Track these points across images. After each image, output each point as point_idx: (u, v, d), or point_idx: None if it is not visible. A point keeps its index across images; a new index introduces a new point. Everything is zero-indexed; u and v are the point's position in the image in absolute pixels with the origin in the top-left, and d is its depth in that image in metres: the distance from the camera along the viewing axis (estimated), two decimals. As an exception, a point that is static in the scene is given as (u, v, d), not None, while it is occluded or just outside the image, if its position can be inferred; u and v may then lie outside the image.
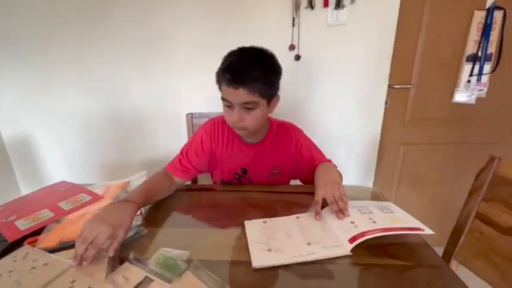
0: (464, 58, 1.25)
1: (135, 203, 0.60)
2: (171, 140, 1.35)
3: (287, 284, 0.46)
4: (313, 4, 1.09)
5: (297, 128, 0.90)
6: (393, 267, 0.49)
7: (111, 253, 0.49)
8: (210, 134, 0.85)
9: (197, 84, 1.25)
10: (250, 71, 0.68)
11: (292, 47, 1.16)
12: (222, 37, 1.16)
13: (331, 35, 1.15)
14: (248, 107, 0.70)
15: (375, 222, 0.56)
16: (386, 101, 1.30)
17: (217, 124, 0.86)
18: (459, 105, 1.31)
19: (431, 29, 1.22)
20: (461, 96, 1.30)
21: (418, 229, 0.53)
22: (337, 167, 0.82)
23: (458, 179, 1.41)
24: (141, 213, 0.66)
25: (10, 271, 0.47)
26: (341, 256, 0.50)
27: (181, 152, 0.86)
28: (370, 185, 1.44)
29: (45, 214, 0.68)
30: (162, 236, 0.60)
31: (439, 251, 0.66)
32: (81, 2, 1.14)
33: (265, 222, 0.61)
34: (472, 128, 1.37)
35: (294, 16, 1.11)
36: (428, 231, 0.52)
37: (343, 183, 0.72)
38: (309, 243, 0.53)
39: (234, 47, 1.01)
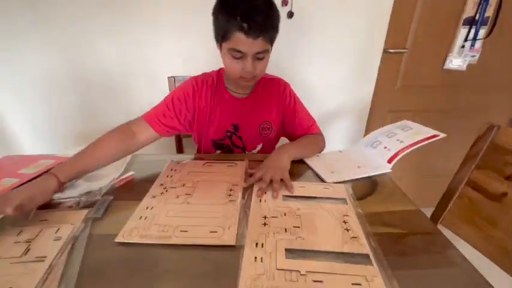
0: (461, 21, 1.21)
1: (55, 175, 0.54)
2: (149, 106, 1.25)
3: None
4: (310, -49, 0.96)
5: (284, 81, 0.86)
6: (389, 235, 0.49)
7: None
8: (194, 93, 0.77)
9: (175, 45, 1.14)
10: (267, 18, 0.62)
11: (285, 2, 1.04)
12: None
13: (328, -10, 1.04)
14: (260, 56, 0.66)
15: (402, 142, 0.71)
16: (379, 65, 1.26)
17: (203, 80, 0.79)
18: (449, 72, 1.30)
19: (432, -13, 1.14)
20: (453, 63, 1.28)
21: (435, 136, 0.67)
22: (318, 130, 0.85)
23: (445, 145, 1.45)
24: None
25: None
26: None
27: (165, 104, 0.76)
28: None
29: (8, 181, 0.64)
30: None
31: (430, 211, 0.69)
32: None
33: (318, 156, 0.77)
34: (462, 95, 1.38)
35: (289, -35, 0.98)
36: (442, 135, 0.67)
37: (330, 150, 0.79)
38: (359, 167, 0.69)
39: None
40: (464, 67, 1.27)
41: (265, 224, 0.48)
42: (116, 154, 0.65)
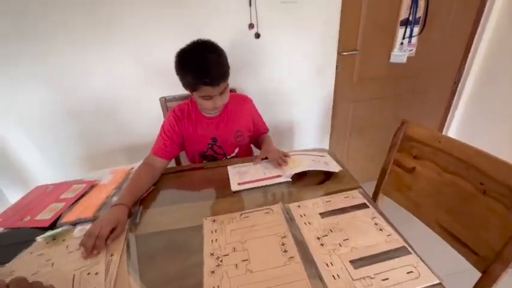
0: (399, 23, 1.45)
1: (126, 205, 0.73)
2: (145, 125, 1.42)
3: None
4: (266, -17, 1.15)
5: (246, 97, 1.11)
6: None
7: (109, 242, 0.64)
8: (179, 121, 0.99)
9: (155, 69, 1.30)
10: (220, 67, 0.83)
11: (251, 26, 1.24)
12: (180, 20, 1.19)
13: (285, 12, 1.25)
14: (223, 91, 0.88)
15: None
16: (337, 66, 1.49)
17: (180, 113, 1.00)
18: (394, 64, 1.56)
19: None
20: (395, 57, 1.54)
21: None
22: (268, 130, 1.18)
23: (393, 126, 1.74)
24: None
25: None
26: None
27: (162, 138, 0.98)
28: (327, 138, 1.72)
29: (57, 206, 0.81)
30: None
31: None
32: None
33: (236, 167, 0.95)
34: (405, 82, 1.65)
35: (250, -4, 1.17)
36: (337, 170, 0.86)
37: (304, 141, 1.06)
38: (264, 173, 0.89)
39: (195, 29, 1.07)
40: (404, 60, 1.54)
41: (322, 245, 0.60)
42: (149, 183, 0.87)
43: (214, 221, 0.70)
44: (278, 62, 1.38)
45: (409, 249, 0.58)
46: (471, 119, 1.72)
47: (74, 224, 0.73)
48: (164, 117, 1.27)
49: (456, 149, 0.70)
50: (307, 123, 1.61)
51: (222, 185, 0.85)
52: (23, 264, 0.60)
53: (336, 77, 1.52)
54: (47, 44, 1.16)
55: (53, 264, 0.59)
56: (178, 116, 1.00)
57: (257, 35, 1.26)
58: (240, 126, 1.05)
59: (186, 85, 0.88)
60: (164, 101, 1.26)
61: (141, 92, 1.34)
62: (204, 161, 1.09)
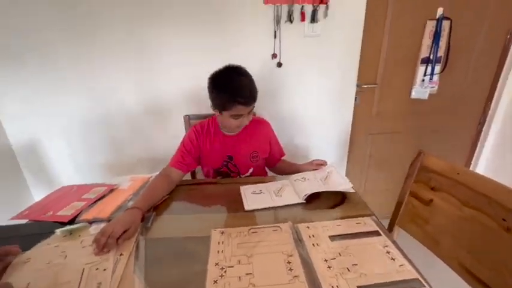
0: (419, 60, 1.49)
1: (140, 209, 0.76)
2: (169, 140, 1.49)
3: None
4: (291, 19, 1.26)
5: (265, 120, 1.16)
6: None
7: (120, 242, 0.65)
8: (198, 136, 1.06)
9: (186, 89, 1.41)
10: (252, 89, 0.92)
11: (274, 56, 1.33)
12: (212, 46, 1.31)
13: (308, 44, 1.33)
14: (250, 111, 0.96)
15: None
16: (356, 98, 1.53)
17: (200, 129, 1.07)
18: (415, 100, 1.56)
19: (392, 36, 1.43)
20: (417, 93, 1.55)
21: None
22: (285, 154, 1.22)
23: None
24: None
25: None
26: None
27: (180, 151, 1.05)
28: (344, 170, 1.70)
29: (78, 204, 0.86)
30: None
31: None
32: (82, 16, 1.23)
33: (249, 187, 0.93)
34: (426, 118, 1.64)
35: (276, 29, 1.27)
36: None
37: None
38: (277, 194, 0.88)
39: (223, 55, 1.18)
40: (426, 96, 1.54)
41: (329, 267, 0.58)
42: (164, 192, 0.91)
43: (222, 232, 0.71)
44: (298, 90, 1.44)
45: (423, 282, 0.54)
46: (498, 161, 1.63)
47: (91, 222, 0.76)
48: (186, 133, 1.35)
49: (476, 182, 0.68)
50: (323, 152, 1.61)
51: (233, 201, 0.86)
52: (39, 253, 0.63)
53: (354, 109, 1.55)
54: (92, 62, 1.32)
55: (66, 256, 0.62)
56: (199, 131, 1.06)
57: (279, 64, 1.35)
58: (256, 148, 1.09)
59: (217, 105, 0.94)
60: (188, 119, 1.34)
61: (168, 109, 1.44)
62: (218, 177, 1.12)
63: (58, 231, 0.70)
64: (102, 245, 0.63)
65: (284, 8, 1.25)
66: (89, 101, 1.40)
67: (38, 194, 1.55)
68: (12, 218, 0.81)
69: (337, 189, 0.85)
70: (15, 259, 0.61)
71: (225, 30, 1.29)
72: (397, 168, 1.74)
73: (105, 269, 0.58)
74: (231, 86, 0.89)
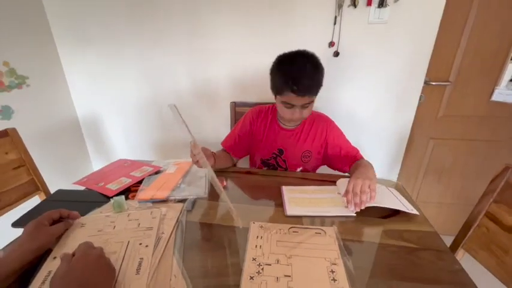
0: (509, 58, 1.24)
1: (214, 156, 0.89)
2: (215, 125, 1.52)
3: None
4: (356, 3, 1.13)
5: (328, 118, 1.03)
6: (405, 248, 0.62)
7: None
8: (254, 120, 1.02)
9: (238, 76, 1.39)
10: (313, 81, 0.82)
11: (332, 44, 1.23)
12: (265, 31, 1.26)
13: (371, 32, 1.19)
14: (306, 106, 0.86)
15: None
16: (421, 96, 1.34)
17: (259, 112, 1.03)
18: (495, 103, 1.32)
19: (476, 26, 1.21)
20: (500, 95, 1.30)
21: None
22: (361, 157, 0.96)
23: (484, 175, 1.45)
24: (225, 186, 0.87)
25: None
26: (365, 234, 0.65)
27: (233, 133, 1.03)
28: (396, 174, 1.53)
29: (125, 180, 0.91)
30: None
31: (451, 239, 0.79)
32: (146, 11, 1.30)
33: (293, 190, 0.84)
34: (503, 126, 1.37)
35: (336, 14, 1.16)
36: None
37: None
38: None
39: (276, 40, 1.12)
40: (511, 100, 1.28)
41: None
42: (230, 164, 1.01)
43: (261, 227, 0.68)
44: (355, 83, 1.32)
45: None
46: None
47: (149, 201, 0.79)
48: (232, 120, 1.34)
49: None
50: (375, 153, 1.47)
51: (275, 195, 0.82)
52: (92, 220, 0.68)
53: (417, 108, 1.37)
54: (150, 45, 1.39)
55: (114, 226, 0.65)
56: (255, 115, 1.03)
57: (336, 53, 1.24)
58: (310, 147, 1.01)
59: (273, 86, 0.89)
60: (234, 105, 1.33)
61: (216, 94, 1.45)
62: (265, 168, 1.08)
63: (110, 204, 0.74)
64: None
65: (349, -10, 1.13)
66: (145, 84, 1.49)
67: (96, 164, 1.72)
68: (74, 183, 0.90)
69: (398, 208, 0.72)
70: (74, 222, 0.66)
71: (280, 12, 1.22)
72: (459, 181, 1.53)
73: (147, 246, 0.59)
74: (289, 70, 0.82)
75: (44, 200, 0.91)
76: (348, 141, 1.00)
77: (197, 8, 1.27)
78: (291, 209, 0.74)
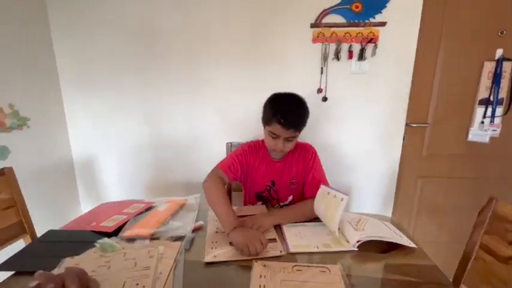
0: (477, 102, 1.39)
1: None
2: (209, 166, 1.54)
3: None
4: (339, 56, 1.29)
5: (311, 147, 1.08)
6: (407, 283, 0.62)
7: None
8: (251, 151, 1.07)
9: (234, 121, 1.48)
10: (298, 117, 0.93)
11: (320, 90, 1.35)
12: (260, 78, 1.39)
13: (354, 80, 1.34)
14: (290, 139, 0.95)
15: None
16: (404, 137, 1.44)
17: (254, 146, 1.09)
18: (474, 143, 1.43)
19: (444, 75, 1.38)
20: (475, 136, 1.42)
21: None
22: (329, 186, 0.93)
23: (474, 211, 1.48)
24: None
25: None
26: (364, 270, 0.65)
27: (231, 157, 1.05)
28: (389, 214, 1.55)
29: (119, 217, 0.89)
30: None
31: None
32: (145, 53, 1.43)
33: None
34: (487, 164, 1.46)
35: (323, 66, 1.31)
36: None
37: (362, 210, 0.89)
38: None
39: (272, 89, 1.22)
40: (486, 140, 1.40)
41: None
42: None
43: (264, 265, 0.66)
44: (343, 125, 1.42)
45: None
46: None
47: (133, 239, 0.77)
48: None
49: None
50: (367, 192, 1.50)
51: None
52: (86, 260, 0.65)
53: (403, 149, 1.46)
54: (152, 91, 1.48)
55: (109, 267, 0.63)
56: (251, 147, 1.08)
57: (324, 99, 1.36)
58: (295, 174, 1.05)
59: (263, 117, 0.98)
60: (230, 146, 1.38)
61: (212, 136, 1.51)
62: (259, 202, 1.09)
63: (97, 242, 0.71)
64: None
65: (332, 47, 1.30)
66: (144, 126, 1.54)
67: (86, 208, 1.66)
68: (62, 228, 0.86)
69: (397, 241, 0.74)
70: (67, 261, 0.63)
71: (273, 64, 1.37)
72: (451, 217, 1.55)
73: (144, 286, 0.57)
74: (279, 104, 0.93)
75: (35, 240, 0.86)
76: (320, 171, 1.03)
77: (196, 57, 1.40)
78: (292, 246, 0.73)
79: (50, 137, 1.46)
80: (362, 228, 0.78)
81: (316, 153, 1.08)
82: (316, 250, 0.73)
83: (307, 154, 1.06)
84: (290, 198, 1.08)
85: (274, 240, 0.78)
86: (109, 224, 0.85)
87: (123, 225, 0.84)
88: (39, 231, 0.86)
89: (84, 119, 1.55)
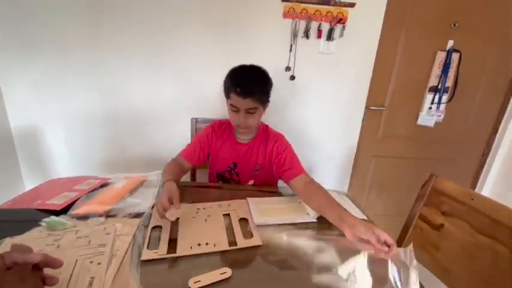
0: (427, 89, 1.52)
1: (175, 180, 0.84)
2: (173, 142, 1.47)
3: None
4: (308, 35, 1.28)
5: (282, 136, 1.06)
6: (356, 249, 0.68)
7: (178, 207, 0.72)
8: (215, 132, 1.05)
9: (198, 96, 1.41)
10: (255, 86, 0.89)
11: (288, 68, 1.35)
12: (228, 54, 1.32)
13: (321, 61, 1.36)
14: (251, 112, 0.91)
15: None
16: (363, 119, 1.53)
17: (220, 125, 1.06)
18: (421, 126, 1.57)
19: (402, 62, 1.46)
20: (423, 120, 1.57)
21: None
22: (305, 171, 0.95)
23: (416, 188, 1.67)
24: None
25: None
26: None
27: (193, 143, 1.05)
28: (345, 189, 1.67)
29: (69, 194, 0.82)
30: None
31: None
32: (103, 15, 1.26)
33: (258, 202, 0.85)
34: (430, 146, 1.64)
35: (292, 43, 1.30)
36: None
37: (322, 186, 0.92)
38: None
39: (239, 63, 1.19)
40: (432, 124, 1.55)
41: None
42: (182, 175, 0.98)
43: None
44: (308, 104, 1.45)
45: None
46: (501, 193, 1.62)
47: (85, 217, 0.72)
48: (192, 136, 1.33)
49: (492, 209, 0.66)
50: (327, 169, 1.59)
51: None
52: (31, 239, 0.59)
53: (361, 130, 1.55)
54: (106, 58, 1.33)
55: (59, 246, 0.58)
56: (215, 129, 1.05)
57: (292, 77, 1.36)
58: (261, 162, 1.04)
59: (224, 90, 0.95)
60: (195, 122, 1.33)
61: (175, 111, 1.43)
62: (219, 182, 1.09)
63: (43, 222, 0.65)
64: (162, 214, 0.70)
65: (302, 24, 1.28)
66: (97, 97, 1.39)
67: (30, 186, 1.49)
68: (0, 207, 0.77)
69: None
70: (7, 241, 0.56)
71: (241, 38, 1.31)
72: (396, 193, 1.73)
73: (99, 263, 0.54)
74: (236, 75, 0.91)
75: None
76: (294, 158, 1.00)
77: (160, 20, 1.28)
78: (258, 219, 0.75)
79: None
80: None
81: (285, 141, 1.04)
82: (280, 222, 0.75)
83: (277, 144, 1.01)
84: (251, 182, 1.07)
85: (245, 220, 0.77)
86: (58, 202, 0.77)
87: (73, 203, 0.78)
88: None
89: (22, 86, 1.34)
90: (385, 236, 0.59)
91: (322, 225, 0.75)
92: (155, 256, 0.59)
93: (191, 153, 1.02)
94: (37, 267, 0.43)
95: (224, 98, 0.97)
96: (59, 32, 1.28)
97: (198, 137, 1.05)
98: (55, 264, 0.44)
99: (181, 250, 0.61)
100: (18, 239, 0.59)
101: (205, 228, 0.70)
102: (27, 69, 1.32)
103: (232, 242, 0.65)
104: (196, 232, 0.68)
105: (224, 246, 0.63)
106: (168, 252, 0.60)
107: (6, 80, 1.34)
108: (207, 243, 0.64)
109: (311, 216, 0.78)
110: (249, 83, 0.88)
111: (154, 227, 0.70)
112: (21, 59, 1.31)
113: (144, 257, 0.58)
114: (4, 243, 0.58)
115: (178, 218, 0.72)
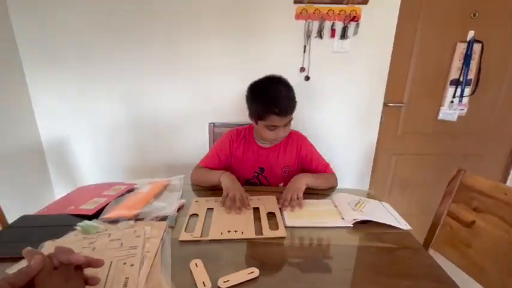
0: (448, 82, 1.47)
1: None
2: (192, 147, 1.51)
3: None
4: (322, 35, 1.28)
5: (301, 134, 1.10)
6: (384, 248, 0.67)
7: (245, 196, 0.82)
8: (233, 141, 1.06)
9: (216, 100, 1.44)
10: (289, 100, 0.90)
11: (302, 69, 1.35)
12: (242, 58, 1.35)
13: (336, 60, 1.35)
14: (287, 124, 0.93)
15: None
16: (381, 117, 1.50)
17: (237, 134, 1.07)
18: (443, 121, 1.52)
19: (420, 56, 1.43)
20: (445, 114, 1.51)
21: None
22: (331, 171, 1.04)
23: (441, 186, 1.61)
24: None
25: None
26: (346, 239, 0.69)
27: (212, 153, 1.05)
28: (366, 189, 1.64)
29: (99, 200, 0.85)
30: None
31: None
32: (122, 25, 1.32)
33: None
34: (454, 141, 1.58)
35: (306, 44, 1.30)
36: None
37: (341, 186, 0.99)
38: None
39: (254, 67, 1.20)
40: (455, 118, 1.50)
41: None
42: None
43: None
44: (324, 104, 1.44)
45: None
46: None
47: (116, 221, 0.75)
48: (210, 141, 1.35)
49: (528, 204, 0.63)
50: (346, 168, 1.57)
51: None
52: (68, 243, 0.62)
53: (380, 127, 1.52)
54: (129, 69, 1.39)
55: (94, 248, 0.61)
56: (233, 137, 1.06)
57: (307, 78, 1.36)
58: (288, 162, 1.06)
59: (253, 114, 0.93)
60: (213, 126, 1.36)
61: (193, 116, 1.47)
62: None
63: (78, 225, 0.69)
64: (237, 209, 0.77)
65: (315, 24, 1.28)
66: (119, 106, 1.45)
67: (59, 193, 1.58)
68: (36, 214, 0.82)
69: (392, 223, 0.75)
70: (48, 244, 0.60)
71: (255, 42, 1.33)
72: (420, 191, 1.68)
73: (132, 265, 0.56)
74: (268, 96, 0.88)
75: (7, 227, 0.80)
76: (319, 156, 1.07)
77: (179, 31, 1.32)
78: (289, 221, 0.75)
79: (15, 120, 1.34)
80: (360, 210, 0.80)
81: (307, 140, 1.09)
82: (311, 225, 0.74)
83: (299, 143, 1.06)
84: (281, 184, 1.08)
85: (273, 214, 0.78)
86: (89, 207, 0.81)
87: (103, 208, 0.82)
88: (11, 220, 0.80)
89: (51, 99, 1.43)
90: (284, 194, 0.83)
91: (359, 232, 0.73)
92: (190, 238, 0.67)
93: (211, 163, 1.03)
94: (78, 268, 0.45)
95: (241, 103, 0.98)
96: (82, 47, 1.35)
97: (216, 148, 1.06)
98: (97, 263, 0.47)
99: (212, 234, 0.68)
100: (58, 242, 0.63)
101: (235, 218, 0.77)
102: (55, 81, 1.40)
103: (259, 231, 0.70)
104: (227, 221, 0.75)
105: (251, 234, 0.68)
106: (201, 236, 0.68)
107: (36, 93, 1.42)
108: (235, 231, 0.69)
109: (346, 221, 0.75)
110: (285, 101, 0.88)
111: (192, 215, 0.78)
112: (48, 71, 1.39)
113: (182, 237, 0.67)
114: (45, 247, 0.61)
115: (213, 208, 0.80)
